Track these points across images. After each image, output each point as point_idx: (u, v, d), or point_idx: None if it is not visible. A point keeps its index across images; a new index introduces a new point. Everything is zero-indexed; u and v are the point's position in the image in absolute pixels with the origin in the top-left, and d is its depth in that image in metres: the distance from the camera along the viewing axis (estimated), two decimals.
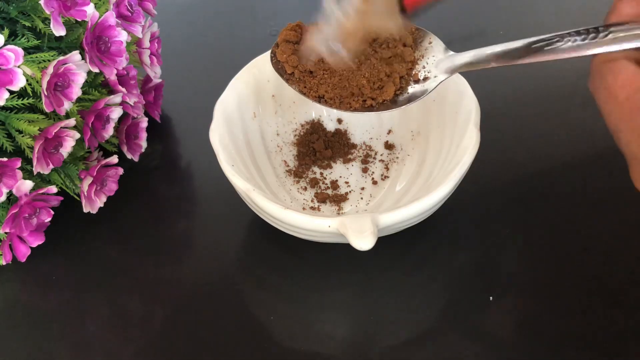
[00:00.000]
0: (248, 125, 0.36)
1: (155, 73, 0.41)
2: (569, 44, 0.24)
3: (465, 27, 0.49)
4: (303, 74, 0.30)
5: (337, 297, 0.33)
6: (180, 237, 0.36)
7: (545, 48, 0.25)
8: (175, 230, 0.37)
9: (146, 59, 0.39)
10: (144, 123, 0.39)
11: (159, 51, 0.41)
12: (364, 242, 0.27)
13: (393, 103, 0.29)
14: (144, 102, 0.39)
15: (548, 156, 0.39)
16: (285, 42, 0.31)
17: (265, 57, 0.37)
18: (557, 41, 0.24)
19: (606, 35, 0.23)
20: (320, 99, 0.30)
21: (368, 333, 0.31)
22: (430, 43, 0.30)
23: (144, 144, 0.40)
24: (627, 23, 0.23)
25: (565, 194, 0.36)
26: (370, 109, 0.29)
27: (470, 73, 0.34)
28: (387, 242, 0.30)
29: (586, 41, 0.23)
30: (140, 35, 0.38)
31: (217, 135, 0.33)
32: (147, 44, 0.39)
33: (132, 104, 0.37)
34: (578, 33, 0.24)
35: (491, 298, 0.31)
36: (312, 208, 0.35)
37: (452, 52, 0.29)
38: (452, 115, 0.34)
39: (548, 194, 0.36)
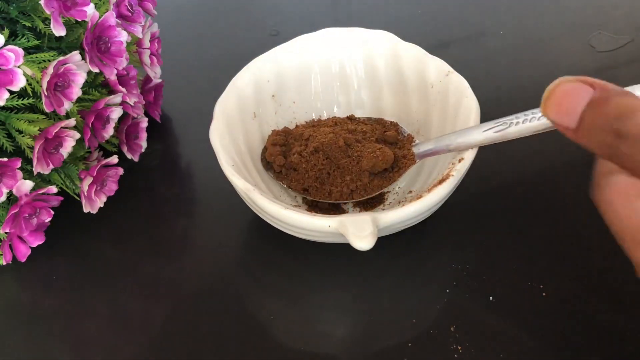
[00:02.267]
0: (248, 125, 0.36)
1: (155, 73, 0.41)
2: (516, 127, 0.27)
3: (465, 27, 0.49)
4: (288, 171, 0.35)
5: (337, 297, 0.33)
6: (180, 237, 0.36)
7: (496, 133, 0.28)
8: (175, 230, 0.37)
9: (146, 59, 0.39)
10: (144, 123, 0.39)
11: (159, 51, 0.41)
12: (363, 242, 0.27)
13: (370, 191, 0.33)
14: (144, 102, 0.39)
15: (548, 156, 0.39)
16: (272, 145, 0.36)
17: (265, 57, 0.37)
18: (505, 125, 0.27)
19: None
20: (304, 191, 0.34)
21: (368, 333, 0.31)
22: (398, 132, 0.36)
23: (144, 144, 0.40)
24: None
25: (566, 193, 0.36)
26: (348, 198, 0.33)
27: (470, 73, 0.35)
28: (387, 242, 0.30)
29: (534, 122, 0.26)
30: (140, 35, 0.38)
31: (217, 135, 0.33)
32: (147, 44, 0.39)
33: (132, 104, 0.37)
34: (525, 115, 0.27)
35: (491, 298, 0.31)
36: (312, 208, 0.35)
37: (416, 141, 0.34)
38: (452, 115, 0.34)
39: (548, 193, 0.36)
